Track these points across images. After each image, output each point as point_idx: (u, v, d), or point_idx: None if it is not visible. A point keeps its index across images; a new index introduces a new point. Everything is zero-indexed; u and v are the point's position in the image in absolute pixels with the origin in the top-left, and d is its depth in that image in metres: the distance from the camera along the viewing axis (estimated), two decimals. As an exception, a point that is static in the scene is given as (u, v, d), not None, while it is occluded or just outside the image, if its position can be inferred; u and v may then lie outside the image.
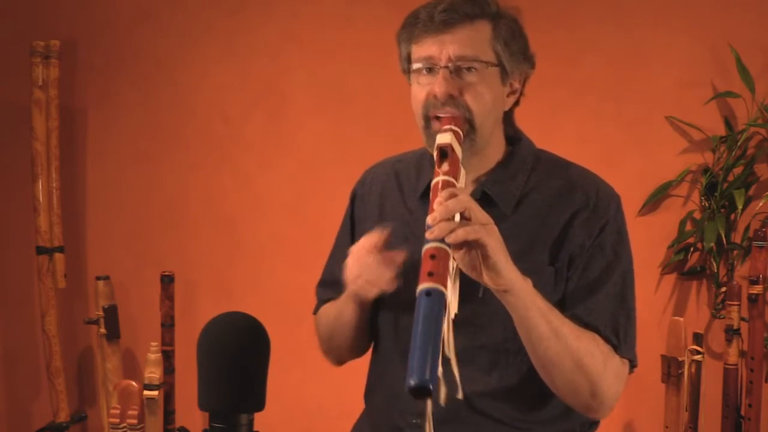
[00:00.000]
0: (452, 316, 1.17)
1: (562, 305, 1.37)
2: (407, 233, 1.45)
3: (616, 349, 1.37)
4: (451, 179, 1.25)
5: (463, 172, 1.30)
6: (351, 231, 1.60)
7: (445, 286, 1.11)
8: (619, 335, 1.37)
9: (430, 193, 1.25)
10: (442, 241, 1.16)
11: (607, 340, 1.36)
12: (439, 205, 1.19)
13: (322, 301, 1.63)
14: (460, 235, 1.17)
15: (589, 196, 1.42)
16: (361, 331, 1.52)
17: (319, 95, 2.90)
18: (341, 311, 1.50)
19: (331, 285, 1.59)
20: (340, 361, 1.63)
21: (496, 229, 1.23)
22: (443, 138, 1.29)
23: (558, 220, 1.40)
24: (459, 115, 1.36)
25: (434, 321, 1.07)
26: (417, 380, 1.03)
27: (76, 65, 3.02)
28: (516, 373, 1.39)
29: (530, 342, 1.31)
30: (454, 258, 1.18)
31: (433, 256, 1.14)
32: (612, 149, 2.68)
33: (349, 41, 2.86)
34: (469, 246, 1.21)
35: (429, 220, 1.18)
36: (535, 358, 1.33)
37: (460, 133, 1.32)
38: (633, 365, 1.41)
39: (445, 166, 1.27)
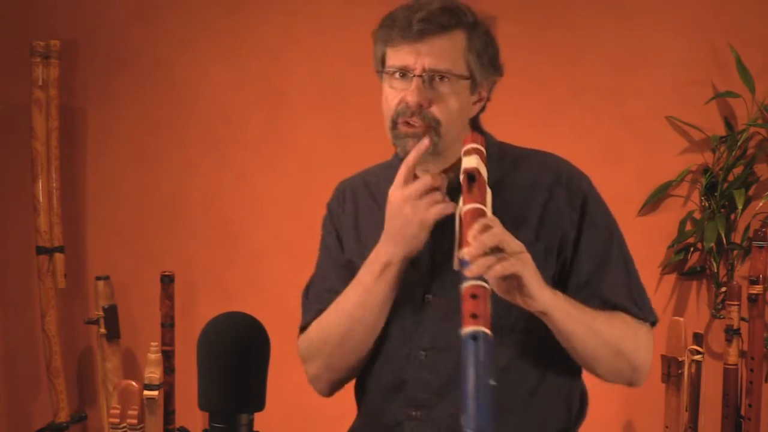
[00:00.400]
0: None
1: (578, 288, 1.42)
2: None
3: (641, 318, 1.45)
4: (481, 207, 1.25)
5: (489, 192, 1.30)
6: (337, 237, 1.58)
7: (489, 327, 1.11)
8: (638, 303, 1.45)
9: (460, 220, 1.27)
10: (480, 277, 1.17)
11: (632, 313, 1.44)
12: (474, 239, 1.20)
13: (314, 311, 1.55)
14: (499, 271, 1.20)
15: (560, 174, 1.47)
16: (387, 307, 1.45)
17: (319, 95, 2.90)
18: (367, 293, 1.43)
19: (323, 296, 1.55)
20: (337, 381, 1.55)
21: (529, 256, 1.27)
22: (470, 162, 1.29)
23: (537, 199, 1.44)
24: (426, 126, 1.38)
25: (483, 367, 1.07)
26: (475, 430, 1.05)
27: (76, 65, 3.02)
28: (510, 353, 1.40)
29: (570, 346, 1.38)
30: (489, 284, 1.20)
31: (474, 296, 1.15)
32: (612, 149, 2.68)
33: (348, 41, 2.86)
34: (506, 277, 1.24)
35: (466, 255, 1.19)
36: (577, 356, 1.40)
37: (484, 151, 1.32)
38: (654, 323, 1.49)
39: (474, 192, 1.27)
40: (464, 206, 1.26)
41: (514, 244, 1.24)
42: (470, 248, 1.19)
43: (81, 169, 3.07)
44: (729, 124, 2.62)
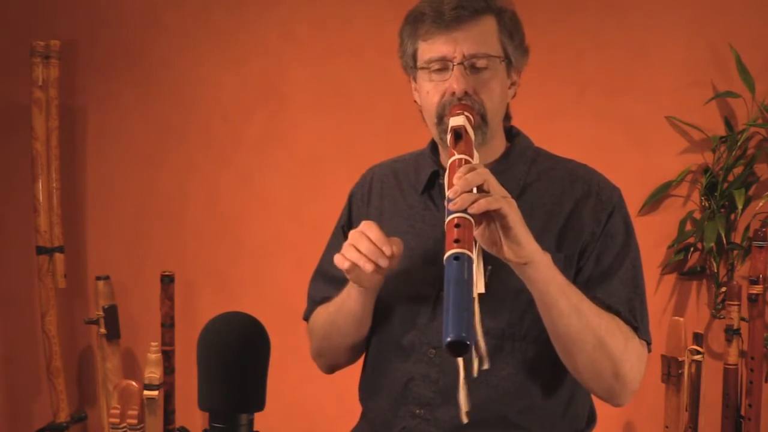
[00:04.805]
0: (479, 292, 1.19)
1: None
2: (408, 227, 1.48)
3: (636, 330, 1.39)
4: (467, 157, 1.27)
5: (476, 153, 1.31)
6: (346, 232, 1.60)
7: (472, 252, 1.12)
8: (636, 318, 1.40)
9: (447, 172, 1.27)
10: (464, 211, 1.18)
11: (627, 322, 1.38)
12: (459, 179, 1.20)
13: (314, 302, 1.62)
14: (483, 204, 1.18)
15: (591, 185, 1.46)
16: (363, 324, 1.49)
17: (319, 94, 2.90)
18: (343, 302, 1.48)
19: (324, 283, 1.60)
20: (332, 366, 1.61)
21: (514, 201, 1.24)
22: (456, 120, 1.32)
23: (563, 209, 1.43)
24: (476, 111, 1.38)
25: (465, 283, 1.08)
26: (454, 335, 1.04)
27: (76, 65, 3.03)
28: (519, 361, 1.39)
29: (551, 319, 1.32)
30: (474, 237, 1.19)
31: (457, 225, 1.15)
32: (612, 149, 2.68)
33: (349, 40, 2.86)
34: (490, 219, 1.22)
35: (450, 193, 1.20)
36: (556, 337, 1.33)
37: (471, 118, 1.34)
38: (648, 349, 1.44)
39: (461, 146, 1.29)
40: (450, 158, 1.28)
41: (498, 187, 1.23)
42: (455, 186, 1.20)
43: (81, 169, 3.07)
44: (729, 124, 2.62)
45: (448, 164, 1.28)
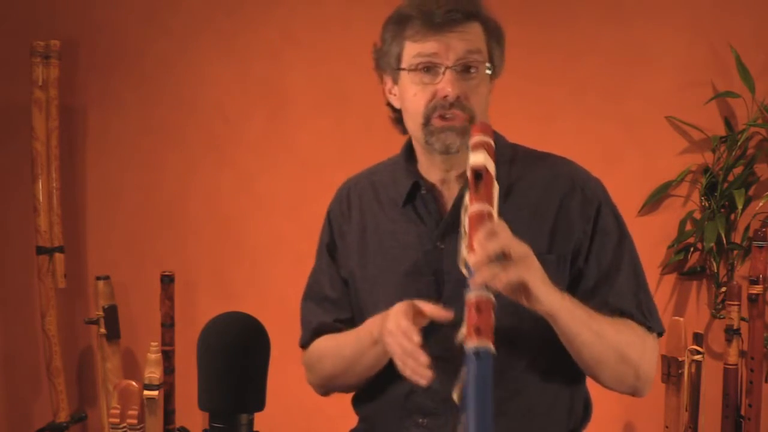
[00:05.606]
0: None
1: (585, 295, 1.39)
2: (392, 242, 1.46)
3: (648, 327, 1.43)
4: (488, 208, 1.22)
5: (496, 188, 1.26)
6: (331, 250, 1.58)
7: (492, 341, 1.09)
8: (645, 312, 1.43)
9: (467, 222, 1.23)
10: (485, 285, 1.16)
11: (639, 322, 1.42)
12: (479, 246, 1.17)
13: (312, 330, 1.57)
14: (503, 281, 1.18)
15: (575, 181, 1.45)
16: (381, 365, 1.46)
17: (319, 95, 2.90)
18: (362, 353, 1.44)
19: (317, 304, 1.57)
20: (330, 393, 1.59)
21: (535, 259, 1.24)
22: (477, 158, 1.23)
23: (549, 208, 1.42)
24: (466, 117, 1.37)
25: (485, 384, 1.06)
26: None
27: (76, 65, 3.02)
28: (516, 356, 1.39)
29: (574, 349, 1.35)
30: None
31: (479, 309, 1.12)
32: (612, 149, 2.68)
33: (349, 41, 2.86)
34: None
35: (470, 262, 1.18)
36: (581, 360, 1.37)
37: (492, 144, 1.28)
38: (660, 334, 1.47)
39: (481, 191, 1.22)
40: (471, 206, 1.22)
41: (519, 248, 1.22)
42: (475, 256, 1.17)
43: (81, 169, 3.07)
44: (729, 124, 2.62)
45: (468, 215, 1.22)
